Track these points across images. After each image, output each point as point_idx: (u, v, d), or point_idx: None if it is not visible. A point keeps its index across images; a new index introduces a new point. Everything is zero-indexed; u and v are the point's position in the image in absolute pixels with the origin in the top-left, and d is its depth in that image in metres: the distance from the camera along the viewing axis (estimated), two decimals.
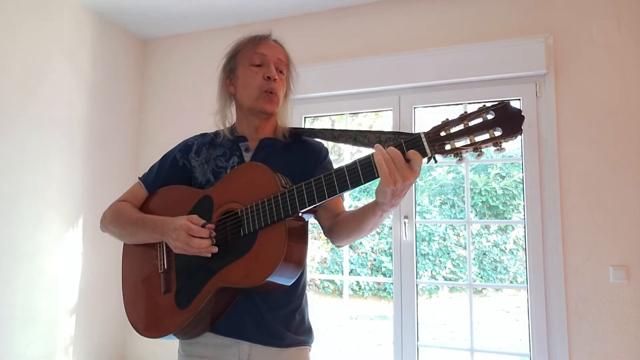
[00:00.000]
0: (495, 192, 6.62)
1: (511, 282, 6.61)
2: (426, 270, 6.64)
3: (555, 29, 2.40)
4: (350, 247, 6.73)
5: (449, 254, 6.70)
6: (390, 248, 6.40)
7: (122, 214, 1.23)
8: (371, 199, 1.05)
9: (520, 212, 6.51)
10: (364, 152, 0.98)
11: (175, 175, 1.27)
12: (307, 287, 1.27)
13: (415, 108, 2.66)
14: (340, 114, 2.99)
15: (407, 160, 0.89)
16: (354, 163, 0.95)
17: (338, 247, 1.24)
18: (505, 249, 6.63)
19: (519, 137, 0.85)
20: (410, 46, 2.65)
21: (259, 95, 1.20)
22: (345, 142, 1.16)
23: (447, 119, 0.89)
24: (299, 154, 1.25)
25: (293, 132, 1.28)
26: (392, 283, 2.59)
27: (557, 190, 2.32)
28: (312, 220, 1.22)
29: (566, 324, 2.24)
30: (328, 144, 1.37)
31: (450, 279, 6.64)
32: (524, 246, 3.75)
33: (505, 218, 6.67)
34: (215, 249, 1.06)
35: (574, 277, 2.26)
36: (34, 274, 2.47)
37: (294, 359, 1.16)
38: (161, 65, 3.30)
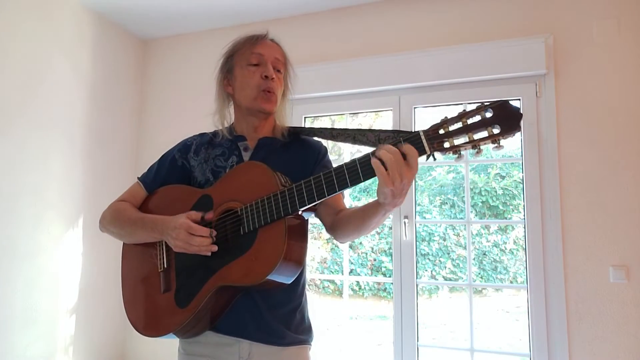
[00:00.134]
0: (495, 192, 6.62)
1: (511, 282, 6.62)
2: (426, 270, 6.64)
3: (555, 29, 2.40)
4: (350, 247, 6.73)
5: (449, 254, 6.71)
6: (390, 248, 6.40)
7: (122, 213, 1.23)
8: (372, 199, 1.06)
9: (520, 212, 6.51)
10: (364, 151, 0.98)
11: (175, 174, 1.27)
12: (307, 286, 1.27)
13: (415, 108, 2.66)
14: (340, 114, 2.99)
15: (404, 157, 0.89)
16: (354, 161, 0.95)
17: (341, 243, 1.25)
18: (505, 249, 6.63)
19: (518, 134, 0.86)
20: (410, 46, 2.65)
21: (257, 95, 1.21)
22: (344, 141, 1.16)
23: (445, 117, 0.90)
24: (298, 153, 1.26)
25: (292, 131, 1.28)
26: (392, 283, 2.59)
27: (557, 190, 2.32)
28: (312, 220, 1.22)
29: (566, 324, 2.24)
30: (328, 144, 1.37)
31: (450, 279, 6.64)
32: (524, 246, 3.75)
33: (505, 218, 6.67)
34: (215, 248, 1.06)
35: (574, 277, 2.26)
36: (34, 274, 2.47)
37: (294, 358, 1.17)
38: (161, 65, 3.30)
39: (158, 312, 1.15)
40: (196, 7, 2.87)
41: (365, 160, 0.94)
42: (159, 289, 1.17)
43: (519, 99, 2.45)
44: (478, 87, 2.50)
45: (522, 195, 3.28)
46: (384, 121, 6.05)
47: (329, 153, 1.31)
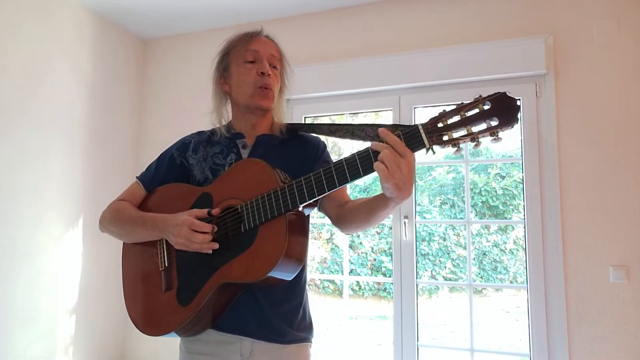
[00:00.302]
0: (495, 192, 6.63)
1: (511, 282, 6.62)
2: (426, 270, 6.64)
3: (555, 29, 2.40)
4: (350, 247, 6.74)
5: (449, 254, 6.71)
6: (390, 248, 6.40)
7: (121, 213, 1.23)
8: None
9: (520, 212, 6.51)
10: (364, 147, 0.98)
11: (173, 173, 1.27)
12: (307, 285, 1.27)
13: (415, 108, 2.66)
14: (340, 114, 2.99)
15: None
16: (353, 156, 0.96)
17: (346, 234, 1.24)
18: (505, 249, 6.64)
19: (516, 126, 0.86)
20: (410, 46, 2.65)
21: (254, 92, 1.20)
22: (343, 136, 1.16)
23: (444, 110, 0.90)
24: (297, 149, 1.26)
25: (290, 128, 1.28)
26: (392, 283, 2.59)
27: (557, 190, 2.32)
28: (312, 220, 1.22)
29: (566, 324, 2.24)
30: (327, 143, 1.37)
31: (450, 279, 6.64)
32: (524, 246, 3.75)
33: (505, 218, 6.67)
34: (216, 245, 1.06)
35: (574, 277, 2.26)
36: (34, 274, 2.47)
37: (296, 356, 1.17)
38: (161, 65, 3.30)
39: (160, 310, 1.15)
40: (196, 7, 2.87)
41: (364, 154, 0.94)
42: (160, 287, 1.17)
43: (519, 99, 2.45)
44: (478, 87, 2.49)
45: (522, 195, 3.28)
46: (383, 121, 6.05)
47: (330, 155, 1.31)
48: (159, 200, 1.27)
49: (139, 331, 1.18)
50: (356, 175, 0.95)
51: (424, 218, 6.84)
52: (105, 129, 2.99)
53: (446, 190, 6.89)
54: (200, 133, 1.33)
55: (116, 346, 3.02)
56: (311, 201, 1.02)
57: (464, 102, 0.89)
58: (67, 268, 2.67)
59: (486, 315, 6.14)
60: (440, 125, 0.89)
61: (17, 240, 2.40)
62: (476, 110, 0.87)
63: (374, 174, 0.92)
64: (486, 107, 0.86)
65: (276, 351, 1.13)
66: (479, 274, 6.59)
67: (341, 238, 6.75)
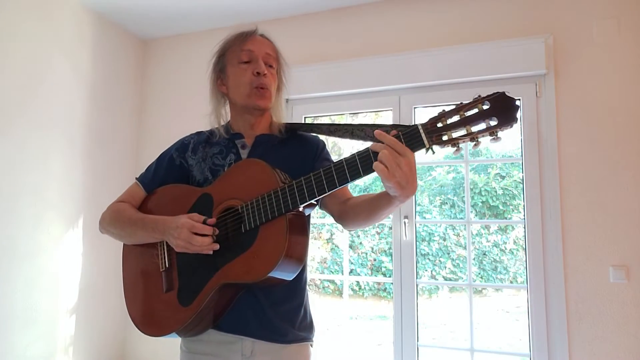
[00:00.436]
0: (495, 192, 6.63)
1: (511, 282, 6.62)
2: (426, 270, 6.64)
3: (555, 29, 2.40)
4: (350, 247, 6.74)
5: (449, 254, 6.71)
6: (390, 248, 6.40)
7: (121, 214, 1.23)
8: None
9: (520, 212, 6.51)
10: (364, 147, 0.98)
11: (173, 174, 1.27)
12: (308, 285, 1.27)
13: (415, 108, 2.66)
14: (340, 114, 2.99)
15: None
16: (353, 156, 0.96)
17: (349, 231, 1.24)
18: (505, 249, 6.64)
19: (515, 126, 0.86)
20: (410, 46, 2.65)
21: (250, 92, 1.20)
22: (342, 136, 1.16)
23: (443, 110, 0.90)
24: (296, 149, 1.26)
25: (289, 128, 1.28)
26: (392, 283, 2.59)
27: (557, 190, 2.32)
28: (312, 221, 1.22)
29: (566, 324, 2.24)
30: (327, 142, 1.37)
31: (450, 279, 6.64)
32: (524, 246, 3.75)
33: (505, 218, 6.67)
34: (217, 246, 1.06)
35: (574, 277, 2.26)
36: (34, 274, 2.47)
37: (296, 355, 1.17)
38: (161, 65, 3.30)
39: (161, 311, 1.15)
40: (196, 7, 2.87)
41: (364, 155, 0.94)
42: (161, 288, 1.17)
43: (519, 99, 2.45)
44: (478, 87, 2.49)
45: (522, 195, 3.28)
46: (383, 121, 6.05)
47: (330, 154, 1.31)
48: (158, 201, 1.26)
49: (139, 331, 1.18)
50: (356, 176, 0.96)
51: (424, 218, 6.84)
52: (105, 129, 2.99)
53: (446, 190, 6.89)
54: (199, 133, 1.33)
55: (116, 346, 3.02)
56: (311, 201, 1.02)
57: (463, 102, 0.89)
58: (67, 268, 2.67)
59: (486, 315, 6.14)
60: (439, 125, 0.90)
61: (17, 240, 2.39)
62: (475, 110, 0.87)
63: (375, 174, 0.92)
64: (485, 107, 0.86)
65: (277, 351, 1.14)
66: (479, 274, 6.59)
67: (341, 238, 6.75)
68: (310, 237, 1.21)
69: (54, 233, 2.60)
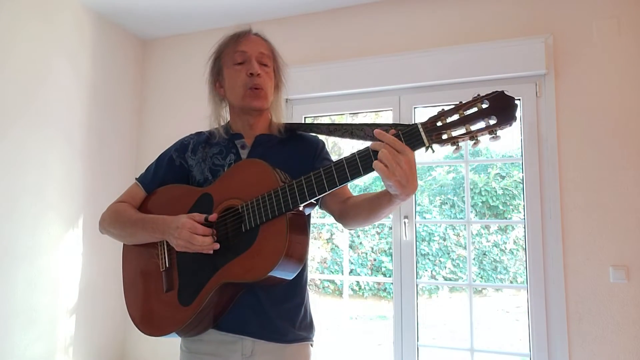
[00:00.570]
0: (495, 192, 6.63)
1: (511, 282, 6.62)
2: (426, 270, 6.64)
3: (555, 29, 2.40)
4: (350, 247, 6.73)
5: (449, 254, 6.71)
6: (390, 248, 6.40)
7: (121, 215, 1.23)
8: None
9: (520, 212, 6.51)
10: (364, 146, 0.98)
11: (173, 174, 1.27)
12: (308, 285, 1.27)
13: (415, 108, 2.66)
14: (340, 114, 2.99)
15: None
16: (353, 155, 0.96)
17: (350, 230, 1.25)
18: (505, 249, 6.64)
19: (514, 124, 0.86)
20: (410, 46, 2.65)
21: (245, 93, 1.20)
22: (342, 136, 1.16)
23: (442, 109, 0.91)
24: (296, 148, 1.26)
25: (288, 128, 1.28)
26: (392, 283, 2.59)
27: (557, 190, 2.32)
28: (312, 221, 1.22)
29: (566, 324, 2.24)
30: (327, 142, 1.37)
31: (450, 279, 6.64)
32: (524, 246, 3.75)
33: (505, 218, 6.67)
34: (217, 246, 1.07)
35: (574, 277, 2.26)
36: (34, 274, 2.47)
37: (297, 355, 1.17)
38: (161, 65, 3.30)
39: (161, 311, 1.15)
40: (196, 7, 2.87)
41: (364, 154, 0.94)
42: (162, 288, 1.17)
43: (519, 99, 2.45)
44: (478, 87, 2.49)
45: (522, 195, 3.28)
46: (383, 121, 6.04)
47: (329, 153, 1.31)
48: (158, 202, 1.26)
49: (139, 331, 1.18)
50: (356, 174, 0.96)
51: (424, 218, 6.84)
52: (105, 129, 2.99)
53: (446, 190, 6.89)
54: (199, 134, 1.33)
55: (116, 346, 3.02)
56: (312, 200, 1.02)
57: (463, 101, 0.89)
58: (67, 268, 2.67)
59: (486, 315, 6.14)
60: (439, 124, 0.90)
61: (17, 240, 2.39)
62: (475, 109, 0.88)
63: (375, 173, 0.92)
64: (484, 106, 0.87)
65: (277, 350, 1.14)
66: (479, 274, 6.59)
67: (341, 238, 6.75)
68: (310, 237, 1.21)
69: (54, 233, 2.60)
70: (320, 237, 6.90)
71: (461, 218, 6.68)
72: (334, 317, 6.27)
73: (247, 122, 1.26)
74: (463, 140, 0.89)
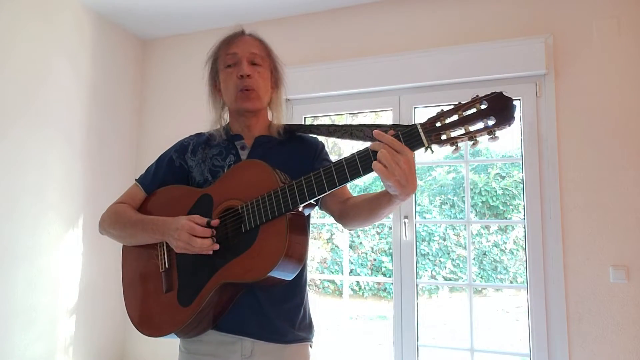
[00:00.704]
0: (495, 192, 6.63)
1: (511, 282, 6.62)
2: (426, 270, 6.64)
3: (555, 29, 2.40)
4: (350, 247, 6.73)
5: (449, 254, 6.71)
6: (390, 248, 6.40)
7: (121, 216, 1.23)
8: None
9: (520, 212, 6.51)
10: (364, 147, 0.98)
11: (173, 175, 1.27)
12: (308, 285, 1.27)
13: (415, 108, 2.66)
14: (340, 114, 2.99)
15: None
16: (353, 156, 0.97)
17: (349, 230, 1.25)
18: (505, 249, 6.64)
19: (512, 125, 0.87)
20: (410, 46, 2.65)
21: (237, 95, 1.21)
22: (341, 137, 1.17)
23: (442, 110, 0.91)
24: (296, 149, 1.26)
25: (288, 129, 1.28)
26: (392, 283, 2.59)
27: (557, 190, 2.32)
28: (312, 221, 1.22)
29: (566, 324, 2.24)
30: (327, 142, 1.37)
31: (450, 279, 6.64)
32: (524, 246, 3.75)
33: (505, 218, 6.67)
34: (217, 247, 1.06)
35: (574, 277, 2.26)
36: (34, 274, 2.47)
37: (296, 355, 1.17)
38: (161, 65, 3.30)
39: (161, 312, 1.15)
40: (196, 7, 2.87)
41: (364, 154, 0.95)
42: (161, 289, 1.17)
43: (519, 99, 2.45)
44: (478, 87, 2.49)
45: (522, 195, 3.28)
46: (384, 121, 6.05)
47: (329, 153, 1.31)
48: (158, 202, 1.26)
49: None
50: (356, 175, 0.96)
51: (424, 218, 6.84)
52: (105, 129, 2.99)
53: (446, 190, 6.89)
54: (199, 135, 1.33)
55: (116, 346, 3.02)
56: (311, 201, 1.02)
57: (462, 101, 0.90)
58: (67, 268, 2.67)
59: (486, 315, 6.14)
60: (438, 124, 0.91)
61: (17, 240, 2.39)
62: (473, 110, 0.88)
63: (375, 174, 0.92)
64: (483, 107, 0.87)
65: (276, 351, 1.14)
66: (479, 274, 6.59)
67: (341, 238, 6.75)
68: (310, 237, 1.21)
69: (54, 233, 2.60)
70: (320, 237, 6.90)
71: (461, 218, 6.68)
72: (334, 317, 6.27)
73: (245, 123, 1.26)
74: (462, 140, 0.89)
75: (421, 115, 2.69)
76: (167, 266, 1.17)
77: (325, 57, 2.80)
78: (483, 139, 0.89)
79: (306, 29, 2.90)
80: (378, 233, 6.87)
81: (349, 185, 1.09)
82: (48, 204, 2.57)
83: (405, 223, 2.56)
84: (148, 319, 1.18)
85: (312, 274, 6.42)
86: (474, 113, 0.88)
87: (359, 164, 0.95)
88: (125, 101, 3.17)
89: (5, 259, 2.33)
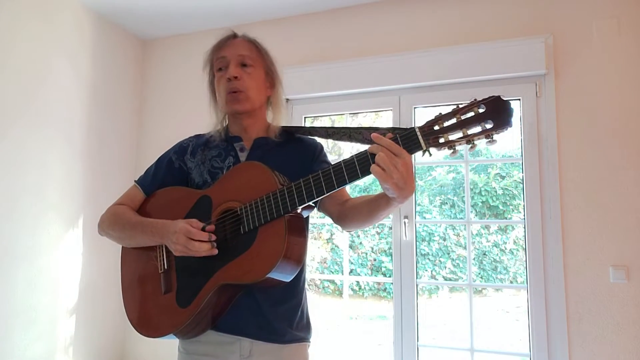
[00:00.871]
0: (495, 192, 6.63)
1: (511, 282, 6.62)
2: (426, 270, 6.64)
3: (555, 29, 2.40)
4: (350, 247, 6.74)
5: (449, 254, 6.71)
6: (390, 248, 6.40)
7: (121, 217, 1.23)
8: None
9: (520, 212, 6.51)
10: (363, 149, 0.99)
11: (172, 176, 1.27)
12: (307, 286, 1.27)
13: (415, 108, 2.66)
14: (340, 114, 2.99)
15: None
16: (351, 158, 0.97)
17: (348, 232, 1.26)
18: (505, 249, 6.64)
19: (511, 129, 0.88)
20: (410, 46, 2.65)
21: (227, 98, 1.21)
22: (340, 139, 1.17)
23: (440, 113, 0.92)
24: (295, 151, 1.26)
25: (287, 131, 1.28)
26: (392, 283, 2.59)
27: (557, 190, 2.32)
28: (312, 221, 1.23)
29: (566, 324, 2.24)
30: (327, 144, 1.37)
31: (450, 279, 6.64)
32: (524, 246, 3.75)
33: (505, 218, 6.67)
34: (216, 251, 1.06)
35: (574, 277, 2.26)
36: (34, 274, 2.47)
37: (294, 355, 1.17)
38: (161, 65, 3.30)
39: (159, 313, 1.15)
40: (196, 7, 2.87)
41: (362, 157, 0.95)
42: (160, 290, 1.17)
43: (519, 99, 2.45)
44: (478, 87, 2.49)
45: (522, 195, 3.28)
46: (383, 121, 6.05)
47: (328, 153, 1.31)
48: (158, 204, 1.26)
49: None
50: (354, 177, 0.96)
51: (424, 218, 6.84)
52: (105, 129, 2.99)
53: (446, 190, 6.89)
54: (198, 136, 1.33)
55: (116, 346, 3.02)
56: (310, 203, 1.02)
57: (460, 104, 0.90)
58: (67, 268, 2.67)
59: (486, 315, 6.14)
60: (436, 127, 0.91)
61: (17, 240, 2.40)
62: (471, 114, 0.89)
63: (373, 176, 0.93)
64: (481, 110, 0.88)
65: (275, 351, 1.14)
66: (479, 274, 6.60)
67: (341, 238, 6.75)
68: (310, 237, 1.21)
69: (54, 233, 2.60)
70: (320, 237, 6.90)
71: (461, 218, 6.68)
72: (334, 317, 6.27)
73: (241, 125, 1.26)
74: (460, 144, 0.90)
75: (421, 115, 2.69)
76: (166, 267, 1.17)
77: (325, 57, 2.80)
78: (480, 143, 0.90)
79: (306, 29, 2.90)
80: (378, 233, 6.88)
81: (348, 185, 1.09)
82: (48, 204, 2.57)
83: (405, 223, 2.56)
84: (147, 320, 1.18)
85: (312, 274, 6.43)
86: (471, 117, 0.88)
87: (358, 167, 0.95)
88: (125, 101, 3.17)
89: (5, 259, 2.33)
